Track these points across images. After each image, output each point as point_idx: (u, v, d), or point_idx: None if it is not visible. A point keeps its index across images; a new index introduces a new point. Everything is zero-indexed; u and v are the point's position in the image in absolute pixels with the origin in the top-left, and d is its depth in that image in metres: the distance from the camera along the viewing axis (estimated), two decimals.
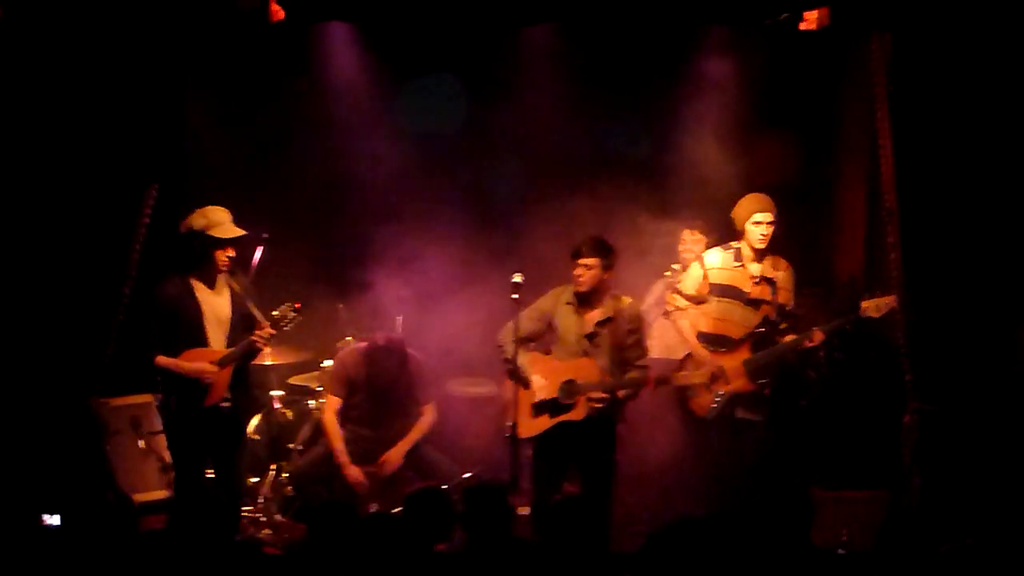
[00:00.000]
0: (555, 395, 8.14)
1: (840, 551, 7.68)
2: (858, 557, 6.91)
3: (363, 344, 9.03)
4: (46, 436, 7.43)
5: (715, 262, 8.46)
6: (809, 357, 9.03)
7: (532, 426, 8.21)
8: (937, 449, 7.63)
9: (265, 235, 9.24)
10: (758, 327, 8.29)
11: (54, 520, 6.94)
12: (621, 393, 8.16)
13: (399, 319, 9.32)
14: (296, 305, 7.91)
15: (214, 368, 7.80)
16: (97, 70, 7.21)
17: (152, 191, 7.47)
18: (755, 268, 8.34)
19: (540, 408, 8.19)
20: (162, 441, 9.24)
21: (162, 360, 7.72)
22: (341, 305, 9.36)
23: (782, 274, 8.33)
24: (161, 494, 9.13)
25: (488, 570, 5.96)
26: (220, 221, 7.74)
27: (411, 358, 8.98)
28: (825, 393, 9.31)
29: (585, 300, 8.20)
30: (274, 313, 7.89)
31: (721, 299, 8.41)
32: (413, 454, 8.88)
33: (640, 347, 8.27)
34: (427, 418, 8.96)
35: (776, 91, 10.32)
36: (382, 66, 10.29)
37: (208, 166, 9.57)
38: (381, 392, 8.91)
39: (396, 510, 8.35)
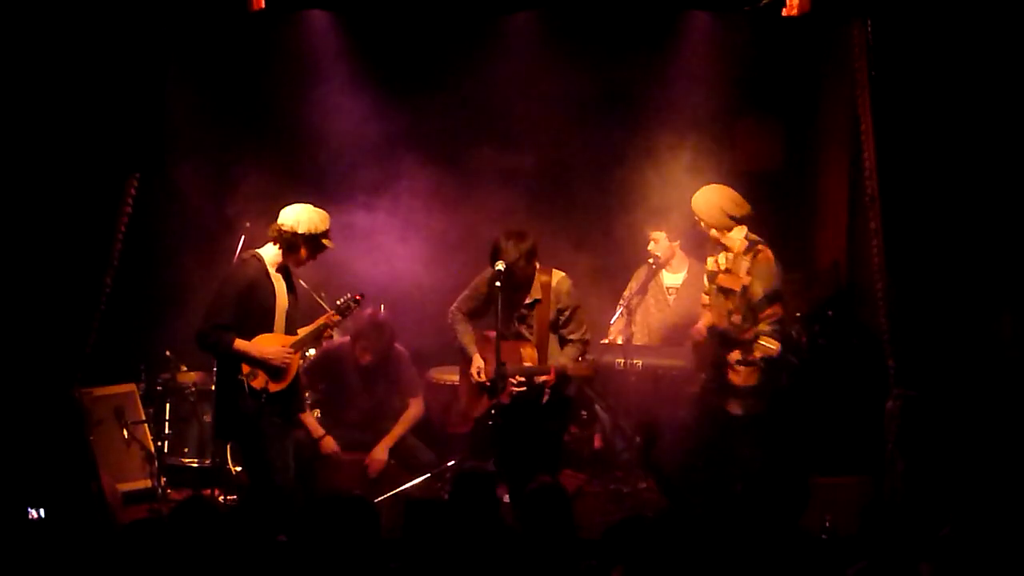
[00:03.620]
0: (493, 376, 8.23)
1: (823, 536, 7.72)
2: (841, 542, 6.94)
3: (347, 337, 9.03)
4: (29, 426, 7.39)
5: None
6: (792, 343, 9.07)
7: (476, 407, 8.35)
8: (920, 435, 7.65)
9: (247, 224, 9.23)
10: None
11: (39, 513, 6.90)
12: (538, 379, 8.31)
13: (382, 306, 9.33)
14: (357, 296, 8.04)
15: (292, 352, 7.84)
16: (76, 58, 7.16)
17: (133, 180, 7.44)
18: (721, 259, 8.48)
19: (481, 389, 8.32)
20: (145, 430, 9.25)
21: (241, 344, 7.71)
22: (323, 294, 9.35)
23: (746, 262, 8.32)
24: (145, 483, 9.15)
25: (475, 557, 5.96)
26: (328, 231, 7.86)
27: (397, 350, 8.99)
28: (808, 379, 9.33)
29: (515, 283, 8.29)
30: (338, 302, 8.02)
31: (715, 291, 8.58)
32: (396, 444, 8.89)
33: (575, 322, 8.43)
34: (412, 411, 8.99)
35: (758, 77, 10.33)
36: (362, 54, 10.28)
37: (189, 154, 9.57)
38: (368, 374, 8.89)
39: (379, 499, 8.41)
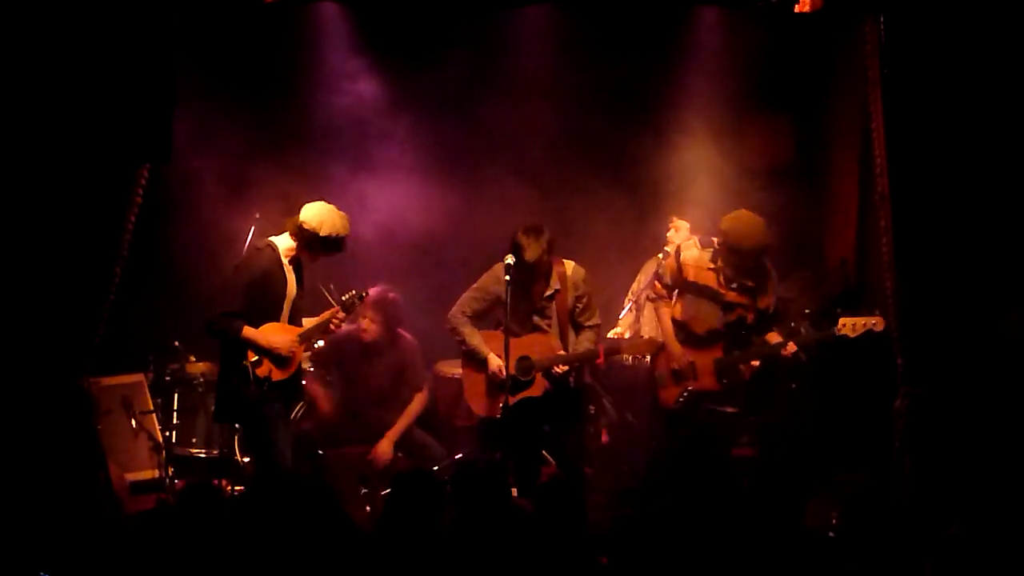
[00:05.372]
0: (512, 372, 8.22)
1: (830, 534, 7.72)
2: (848, 540, 6.94)
3: (353, 325, 9.01)
4: (37, 416, 7.40)
5: (691, 259, 8.52)
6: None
7: (494, 405, 8.30)
8: (928, 433, 7.64)
9: (257, 215, 9.25)
10: (731, 328, 8.38)
11: None
12: (562, 366, 8.40)
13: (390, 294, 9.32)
14: (363, 293, 8.15)
15: (298, 343, 7.90)
16: (88, 49, 7.17)
17: (143, 171, 7.44)
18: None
19: (500, 387, 8.25)
20: (153, 421, 9.27)
21: (248, 332, 7.73)
22: (331, 286, 9.34)
23: (767, 282, 8.43)
24: (152, 474, 9.15)
25: (484, 543, 5.96)
26: (347, 237, 7.91)
27: (403, 336, 9.00)
28: (816, 377, 9.33)
29: (534, 277, 8.32)
30: (344, 297, 8.07)
31: (694, 296, 8.49)
32: (402, 436, 8.89)
33: (590, 309, 8.50)
34: (415, 406, 8.99)
35: (770, 74, 10.32)
36: (374, 46, 10.28)
37: (199, 146, 9.58)
38: (373, 359, 8.89)
39: (385, 492, 8.41)
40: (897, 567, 5.62)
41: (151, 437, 9.25)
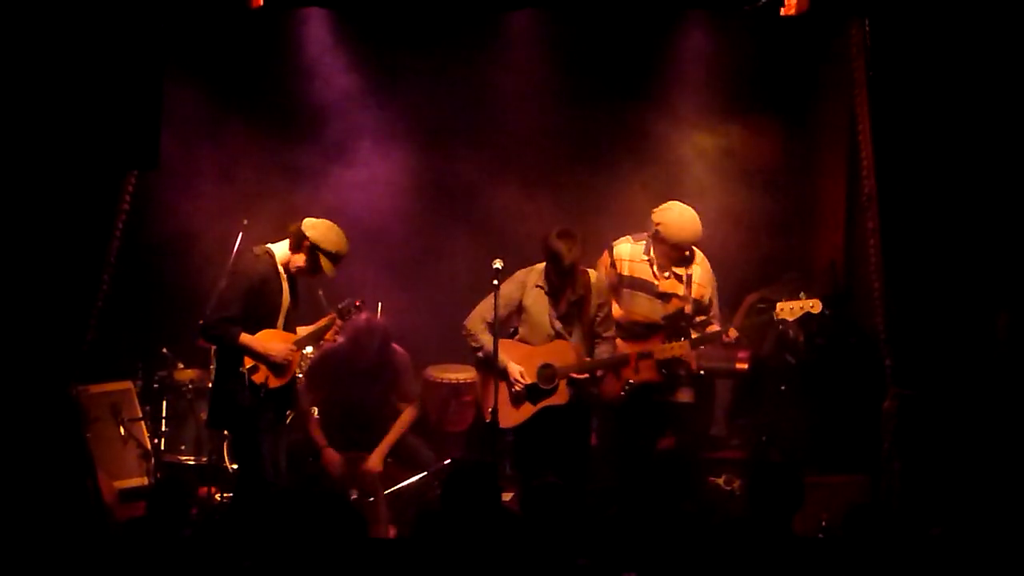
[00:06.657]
0: (534, 380, 8.16)
1: (819, 536, 7.73)
2: (837, 542, 6.94)
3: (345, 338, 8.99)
4: (25, 423, 7.38)
5: (624, 253, 8.45)
6: (788, 342, 9.06)
7: (514, 415, 8.20)
8: (917, 434, 7.65)
9: (245, 221, 9.23)
10: (670, 320, 8.33)
11: None
12: (599, 372, 8.27)
13: (379, 304, 9.33)
14: (357, 302, 8.11)
15: (294, 350, 7.89)
16: (74, 54, 7.16)
17: (131, 178, 7.43)
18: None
19: (520, 395, 8.19)
20: (142, 428, 9.25)
21: (246, 339, 7.71)
22: (320, 292, 9.34)
23: (697, 268, 8.38)
24: (141, 481, 9.14)
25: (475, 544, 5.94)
26: (343, 257, 7.83)
27: (395, 351, 8.98)
28: (805, 378, 9.34)
29: (566, 283, 8.22)
30: (339, 305, 8.05)
31: (630, 290, 8.43)
32: (395, 443, 8.88)
33: (609, 319, 8.34)
34: (405, 417, 8.97)
35: (757, 76, 10.33)
36: (361, 53, 10.28)
37: (186, 153, 9.57)
38: (364, 376, 8.88)
39: (371, 499, 8.40)
40: (888, 569, 5.62)
41: (140, 444, 9.25)
